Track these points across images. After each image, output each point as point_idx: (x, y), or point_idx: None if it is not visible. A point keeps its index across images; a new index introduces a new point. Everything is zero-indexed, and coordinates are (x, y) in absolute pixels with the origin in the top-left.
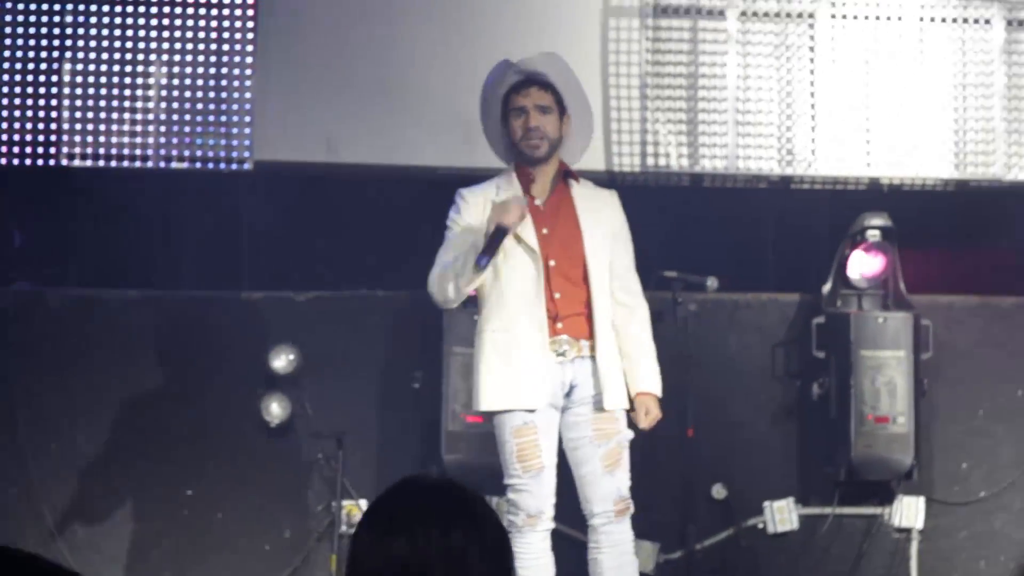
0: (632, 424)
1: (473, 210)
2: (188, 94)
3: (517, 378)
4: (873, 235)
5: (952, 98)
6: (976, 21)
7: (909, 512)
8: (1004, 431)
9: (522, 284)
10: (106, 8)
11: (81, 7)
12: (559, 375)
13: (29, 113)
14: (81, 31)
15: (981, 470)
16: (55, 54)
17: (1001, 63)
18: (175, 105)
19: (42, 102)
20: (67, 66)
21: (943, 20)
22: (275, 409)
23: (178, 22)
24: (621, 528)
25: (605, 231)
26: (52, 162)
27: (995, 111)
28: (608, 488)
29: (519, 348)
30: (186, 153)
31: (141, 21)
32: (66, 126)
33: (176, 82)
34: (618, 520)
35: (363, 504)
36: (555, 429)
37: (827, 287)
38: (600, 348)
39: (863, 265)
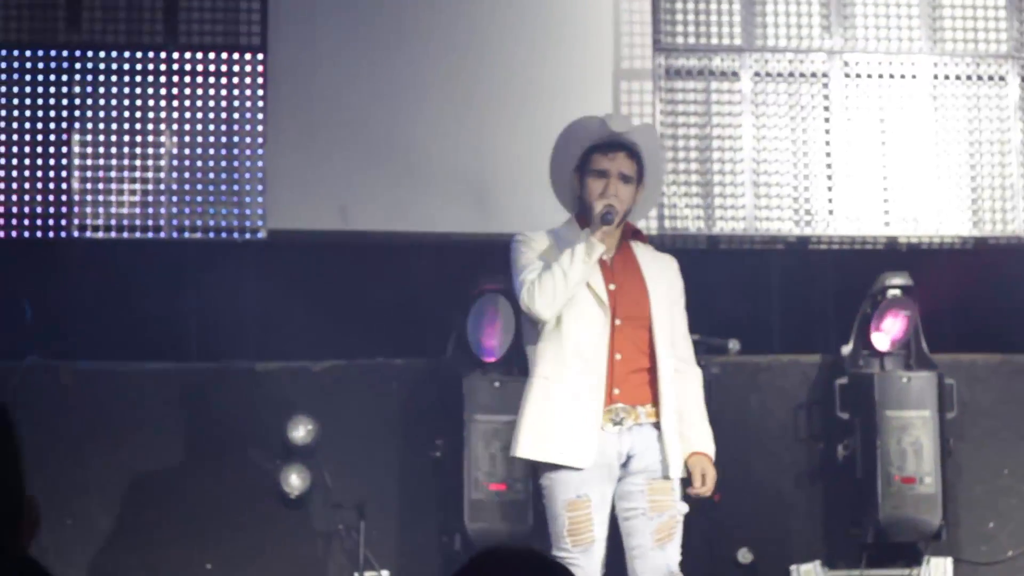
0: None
1: (537, 243)
2: (200, 163)
3: (567, 431)
4: (894, 294)
5: (968, 155)
6: (991, 78)
7: (937, 573)
8: None
9: (585, 338)
10: (115, 79)
11: (89, 78)
12: (615, 445)
13: (39, 185)
14: (90, 101)
15: (1008, 529)
16: (64, 125)
17: (1017, 120)
18: (186, 175)
19: (52, 173)
20: (76, 137)
21: (957, 78)
22: (294, 480)
23: (188, 91)
24: None
25: (669, 296)
26: (63, 234)
27: (1012, 167)
28: (657, 563)
29: (574, 401)
30: (198, 223)
31: (151, 91)
32: (76, 197)
33: (187, 151)
34: None
35: (386, 575)
36: (609, 503)
37: (848, 348)
38: (664, 415)
39: (890, 330)
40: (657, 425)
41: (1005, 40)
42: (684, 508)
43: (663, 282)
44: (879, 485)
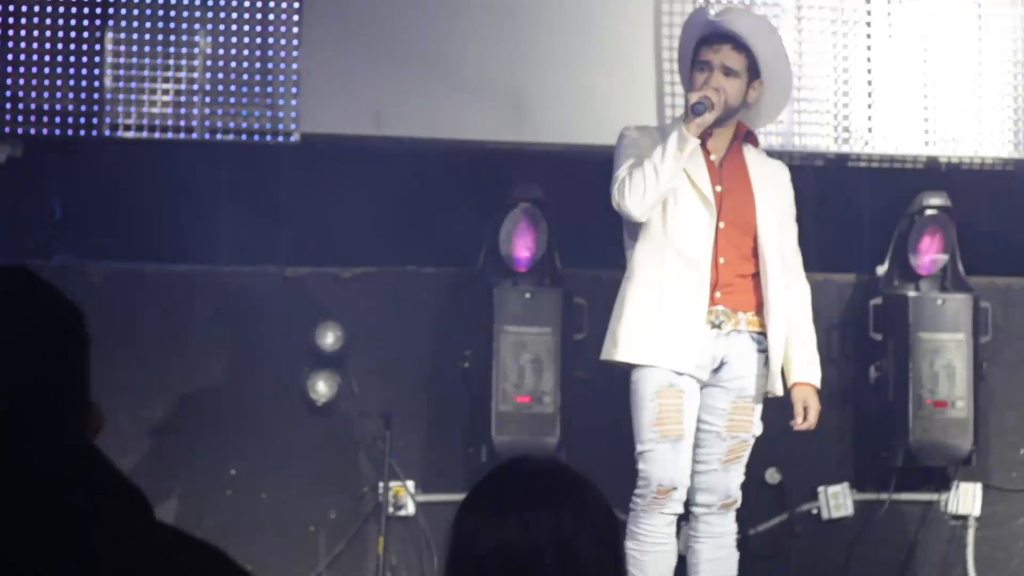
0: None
1: (643, 140)
2: (234, 64)
3: (668, 334)
4: (932, 214)
5: (1012, 76)
6: None
7: (966, 499)
8: None
9: (689, 239)
10: None
11: None
12: (711, 348)
13: (71, 83)
14: (124, 0)
15: None
16: (97, 22)
17: None
18: (220, 76)
19: (84, 71)
20: (109, 35)
21: None
22: (321, 387)
23: None
24: (723, 520)
25: (777, 203)
26: (95, 132)
27: None
28: (718, 482)
29: (675, 304)
30: (231, 124)
31: None
32: (109, 96)
33: (221, 52)
34: (721, 512)
35: (411, 485)
36: (697, 402)
37: (883, 268)
38: (773, 328)
39: (927, 251)
40: (759, 336)
41: None
42: (759, 430)
43: (772, 189)
44: (910, 408)
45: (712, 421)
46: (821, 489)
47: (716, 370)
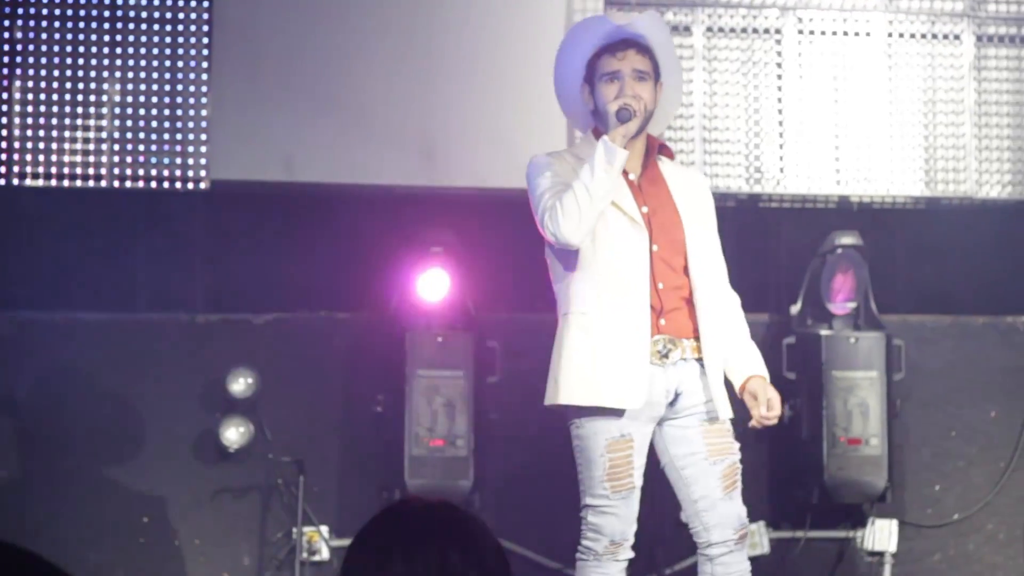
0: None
1: (559, 166)
2: (143, 112)
3: (613, 370)
4: (844, 253)
5: (922, 115)
6: (945, 37)
7: (882, 535)
8: (977, 452)
9: (624, 266)
10: (57, 24)
11: (32, 23)
12: (662, 381)
13: None
14: (32, 47)
15: (954, 492)
16: (5, 71)
17: (971, 79)
18: (129, 123)
19: None
20: (17, 83)
21: (912, 36)
22: (233, 434)
23: (132, 39)
24: (740, 558)
25: (702, 218)
26: (3, 181)
27: (965, 128)
28: (729, 513)
29: (616, 337)
30: (140, 172)
31: (94, 38)
32: (17, 144)
33: (130, 99)
34: (738, 548)
35: (324, 530)
36: (647, 446)
37: (796, 307)
38: (708, 350)
39: (839, 290)
40: (701, 361)
41: None
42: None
43: (694, 203)
44: (824, 446)
45: (691, 450)
46: None
47: (672, 403)
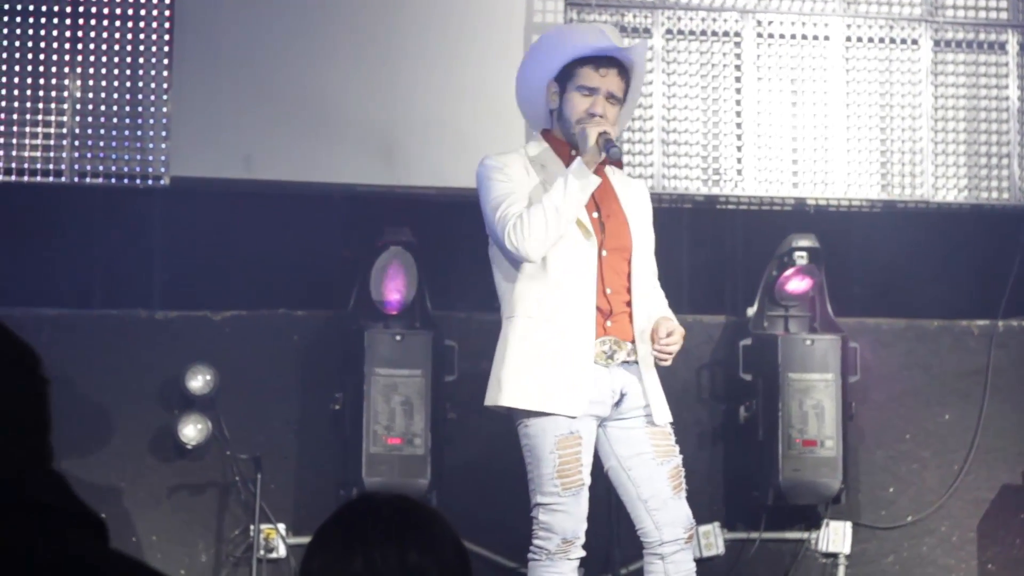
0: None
1: (513, 170)
2: (103, 108)
3: (557, 374)
4: (800, 256)
5: (879, 119)
6: (903, 42)
7: (836, 537)
8: (931, 455)
9: (572, 270)
10: (18, 19)
11: None
12: (608, 381)
13: None
14: None
15: (908, 494)
16: None
17: (928, 84)
18: (90, 119)
19: None
20: None
21: (870, 40)
22: (191, 431)
23: (92, 35)
24: (687, 557)
25: (644, 227)
26: None
27: (922, 132)
28: (678, 513)
29: (561, 341)
30: (100, 168)
31: (55, 33)
32: None
33: (91, 95)
34: (686, 548)
35: (281, 528)
36: (594, 443)
37: (753, 309)
38: (642, 353)
39: (793, 286)
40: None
41: (919, 3)
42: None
43: (639, 212)
44: (780, 447)
45: (637, 451)
46: None
47: (617, 403)
